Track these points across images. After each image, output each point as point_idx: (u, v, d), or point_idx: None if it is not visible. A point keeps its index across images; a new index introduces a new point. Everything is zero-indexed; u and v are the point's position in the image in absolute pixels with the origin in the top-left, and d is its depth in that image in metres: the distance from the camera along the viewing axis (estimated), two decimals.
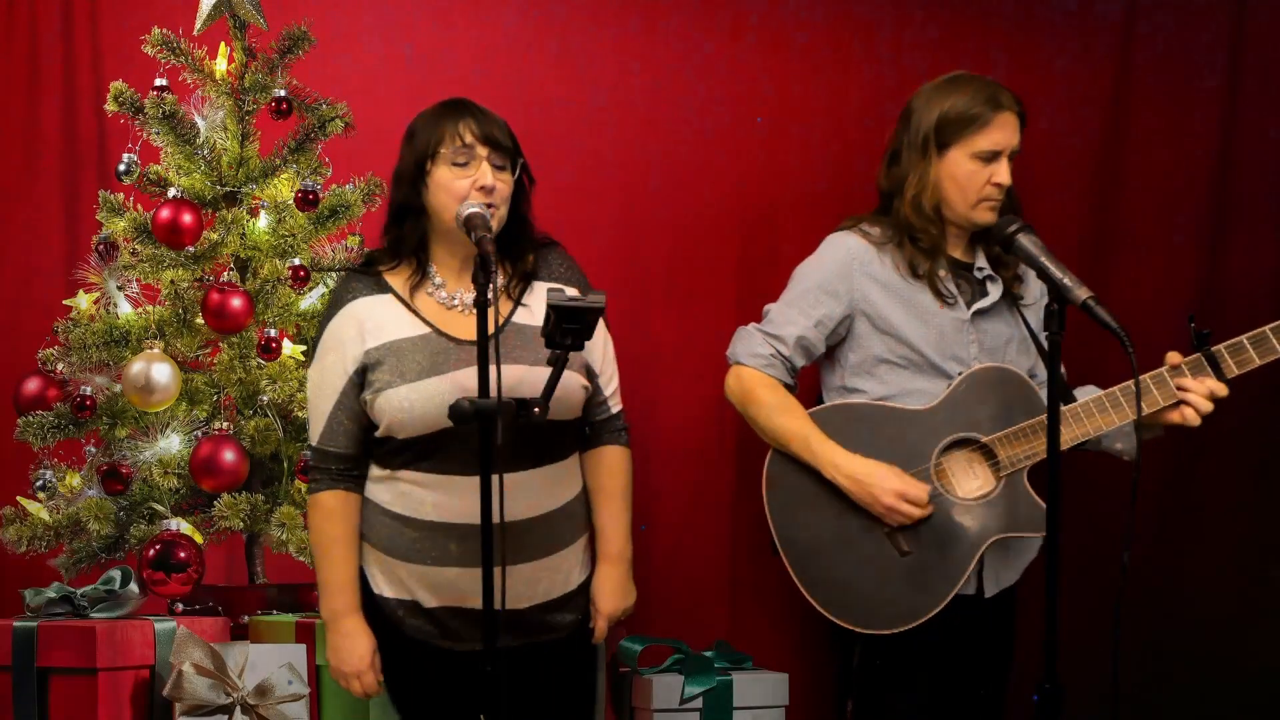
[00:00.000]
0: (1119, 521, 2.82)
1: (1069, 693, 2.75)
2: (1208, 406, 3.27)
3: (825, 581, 3.32)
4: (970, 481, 3.31)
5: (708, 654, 3.71)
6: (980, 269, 3.41)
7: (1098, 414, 3.27)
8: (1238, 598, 4.14)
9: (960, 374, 3.32)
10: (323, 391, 3.08)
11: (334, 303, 3.10)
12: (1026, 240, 2.96)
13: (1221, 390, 3.29)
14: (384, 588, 3.10)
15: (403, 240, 3.06)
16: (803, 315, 3.39)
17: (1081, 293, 2.83)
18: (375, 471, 3.10)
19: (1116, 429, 3.33)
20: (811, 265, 3.45)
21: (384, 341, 3.02)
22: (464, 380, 2.93)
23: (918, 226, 3.35)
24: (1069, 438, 3.27)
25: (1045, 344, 3.36)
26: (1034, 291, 3.47)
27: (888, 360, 3.35)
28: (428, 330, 3.01)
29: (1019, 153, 3.39)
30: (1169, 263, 4.23)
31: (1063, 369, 3.40)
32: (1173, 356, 3.31)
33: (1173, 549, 4.19)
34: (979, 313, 3.37)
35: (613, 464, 3.20)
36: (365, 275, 3.09)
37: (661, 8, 4.22)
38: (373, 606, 3.12)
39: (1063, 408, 3.26)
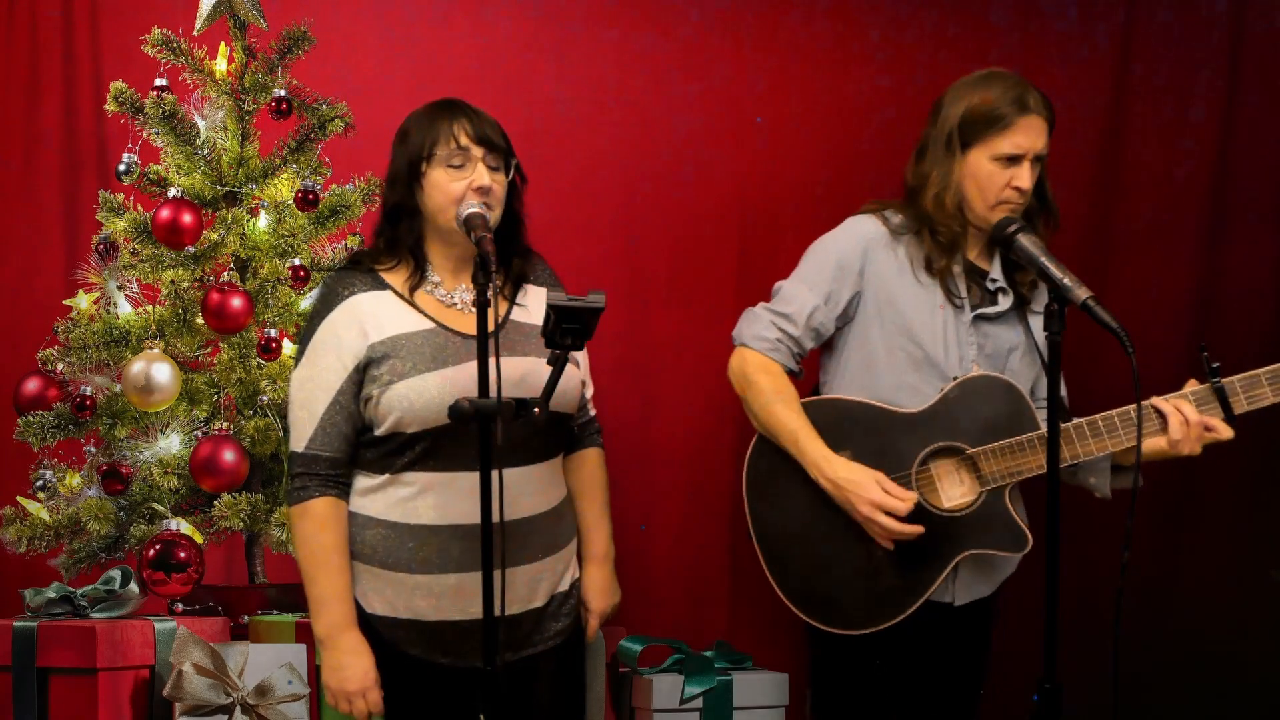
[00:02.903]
0: (1118, 521, 2.82)
1: (1068, 692, 2.75)
2: (1193, 443, 3.16)
3: (795, 576, 3.27)
4: (955, 488, 3.23)
5: (708, 654, 3.71)
6: (994, 280, 3.32)
7: (1078, 440, 3.18)
8: (1238, 598, 4.14)
9: (955, 377, 3.24)
10: (315, 393, 2.95)
11: (327, 300, 2.98)
12: (1026, 240, 2.95)
13: (1224, 431, 3.17)
14: (377, 606, 2.96)
15: (399, 241, 3.00)
16: (813, 291, 3.30)
17: (1081, 293, 2.82)
18: (365, 482, 2.97)
19: (1091, 464, 3.25)
20: (827, 241, 3.35)
21: (388, 335, 2.93)
22: (475, 373, 2.86)
23: (939, 220, 3.25)
24: (1039, 463, 3.17)
25: (1044, 349, 3.35)
26: (1044, 299, 3.33)
27: (888, 349, 3.27)
28: (432, 325, 2.97)
29: (1045, 157, 3.31)
30: (1169, 263, 4.24)
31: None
32: (1190, 384, 3.20)
33: (1173, 549, 4.20)
34: (981, 317, 3.29)
35: (595, 465, 3.19)
36: (361, 272, 3.00)
37: (661, 8, 4.22)
38: (365, 626, 2.96)
39: (1045, 430, 3.13)
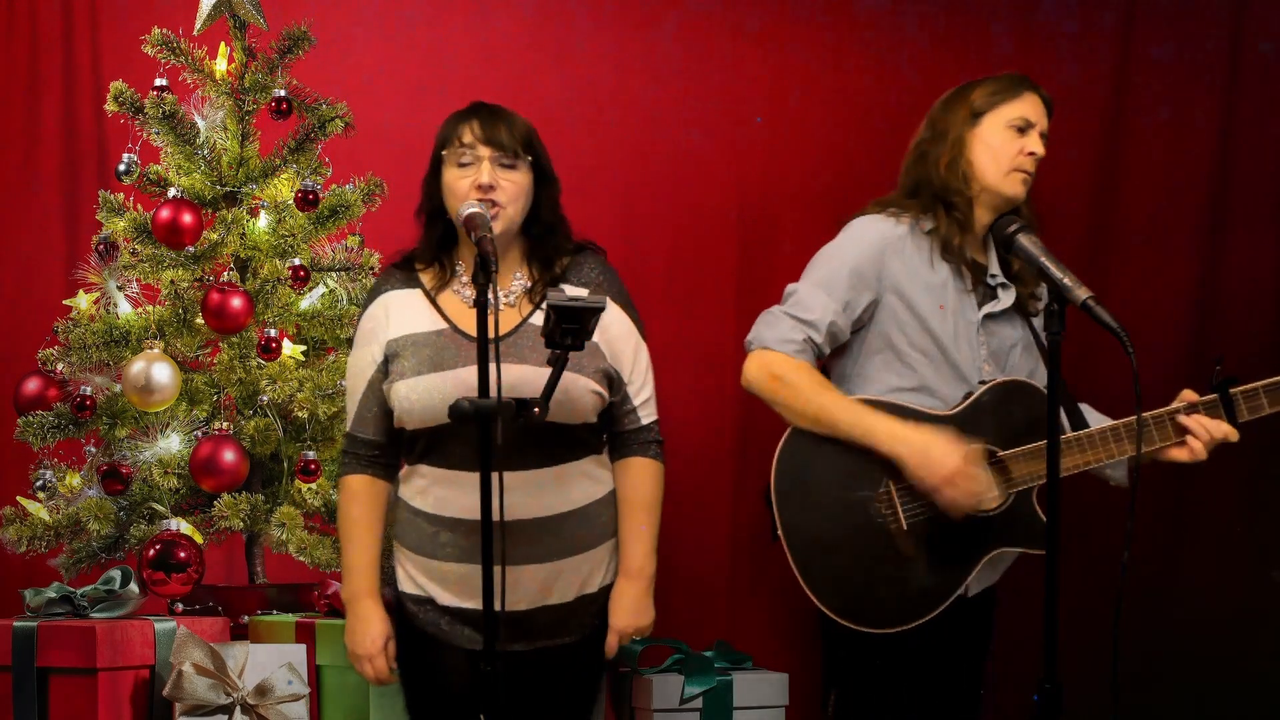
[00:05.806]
0: (1119, 521, 2.82)
1: (1068, 692, 2.75)
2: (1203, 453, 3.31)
3: (824, 575, 3.24)
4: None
5: (708, 654, 3.71)
6: (994, 275, 3.34)
7: (1100, 445, 3.26)
8: (1238, 598, 4.14)
9: (982, 381, 3.27)
10: (355, 379, 3.13)
11: (371, 294, 3.17)
12: (1026, 240, 2.95)
13: (1233, 436, 3.30)
14: (405, 583, 3.13)
15: (430, 240, 3.12)
16: (832, 298, 3.26)
17: (1081, 293, 2.82)
18: (404, 467, 3.15)
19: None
20: (841, 247, 3.33)
21: (403, 334, 3.07)
22: (467, 377, 2.92)
23: (953, 189, 3.30)
24: (1073, 464, 3.25)
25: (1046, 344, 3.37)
26: (1044, 292, 3.38)
27: (906, 350, 3.28)
28: (445, 326, 3.06)
29: (1047, 138, 3.37)
30: (1169, 263, 4.24)
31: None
32: (1187, 394, 3.31)
33: (1172, 549, 4.19)
34: (989, 316, 3.32)
35: (638, 476, 3.16)
36: (401, 269, 3.14)
37: (661, 8, 4.22)
38: (398, 602, 3.15)
39: (1070, 434, 3.24)
